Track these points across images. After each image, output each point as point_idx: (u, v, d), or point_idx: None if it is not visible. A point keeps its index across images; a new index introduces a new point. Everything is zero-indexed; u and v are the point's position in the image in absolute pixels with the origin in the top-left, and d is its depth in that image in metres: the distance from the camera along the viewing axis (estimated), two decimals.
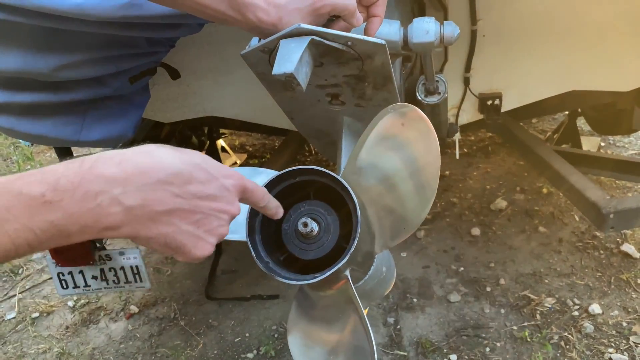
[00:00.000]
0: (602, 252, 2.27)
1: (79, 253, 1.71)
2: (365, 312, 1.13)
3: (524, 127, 2.18)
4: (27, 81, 1.28)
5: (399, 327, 1.99)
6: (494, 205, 2.64)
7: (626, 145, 3.14)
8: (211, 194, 0.54)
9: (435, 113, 1.27)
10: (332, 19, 0.71)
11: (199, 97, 1.65)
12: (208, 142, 3.04)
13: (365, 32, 0.73)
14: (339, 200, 0.66)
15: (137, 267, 1.77)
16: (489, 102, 1.66)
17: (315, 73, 0.73)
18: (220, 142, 3.22)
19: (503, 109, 1.68)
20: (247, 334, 2.02)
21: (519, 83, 1.65)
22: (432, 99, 1.18)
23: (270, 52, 0.69)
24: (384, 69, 0.73)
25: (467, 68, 1.60)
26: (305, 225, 0.65)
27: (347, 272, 0.69)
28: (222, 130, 3.24)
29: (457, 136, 1.70)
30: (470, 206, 2.69)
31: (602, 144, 3.18)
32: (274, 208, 0.64)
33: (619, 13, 1.52)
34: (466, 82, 1.63)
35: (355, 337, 0.76)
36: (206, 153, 3.02)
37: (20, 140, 4.04)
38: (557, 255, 2.28)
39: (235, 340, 2.00)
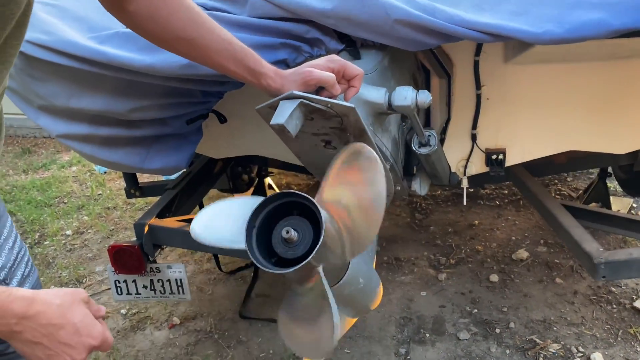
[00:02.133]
0: (615, 306, 2.36)
1: (134, 263, 2.02)
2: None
3: (537, 181, 2.35)
4: (107, 118, 1.62)
5: (409, 357, 2.16)
6: (515, 255, 2.78)
7: None
8: (67, 342, 0.75)
9: (430, 161, 1.51)
10: (320, 88, 0.99)
11: (243, 138, 1.96)
12: (257, 179, 3.37)
13: (345, 98, 1.00)
14: (316, 216, 0.91)
15: (180, 280, 2.05)
16: (494, 157, 1.87)
17: (309, 125, 1.00)
18: (268, 180, 3.54)
19: (507, 164, 1.89)
20: (272, 351, 2.25)
21: (521, 141, 1.85)
22: (424, 150, 1.42)
23: (274, 109, 0.97)
24: (358, 123, 0.99)
25: (474, 126, 1.83)
26: (287, 232, 0.90)
27: (320, 269, 0.93)
28: (270, 169, 3.57)
29: (465, 184, 1.91)
30: (494, 254, 2.84)
31: (635, 205, 3.25)
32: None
33: (611, 82, 1.72)
34: (473, 138, 1.85)
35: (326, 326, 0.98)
36: (254, 189, 3.32)
37: (95, 168, 4.55)
38: (570, 305, 2.39)
39: (261, 355, 2.23)
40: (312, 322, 1.02)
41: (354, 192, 0.89)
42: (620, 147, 1.83)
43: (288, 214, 0.94)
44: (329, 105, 0.95)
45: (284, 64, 1.36)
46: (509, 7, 1.19)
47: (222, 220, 0.96)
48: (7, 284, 0.96)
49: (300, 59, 1.36)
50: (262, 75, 1.00)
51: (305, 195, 0.90)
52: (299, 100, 0.93)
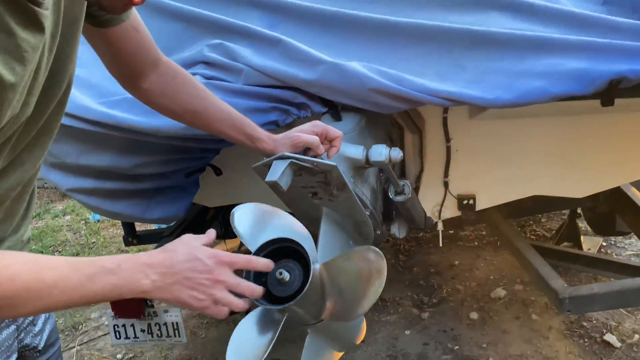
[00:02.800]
0: (586, 340, 2.51)
1: (133, 308, 2.14)
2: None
3: (509, 222, 2.53)
4: (112, 173, 1.79)
5: None
6: (493, 294, 2.94)
7: (626, 246, 3.40)
8: (205, 270, 0.84)
9: (406, 208, 1.68)
10: (307, 149, 1.17)
11: (236, 187, 2.13)
12: None
13: (328, 156, 1.18)
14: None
15: (177, 323, 2.17)
16: (465, 202, 2.05)
17: (297, 180, 1.18)
18: None
19: (478, 208, 2.07)
20: None
21: (489, 187, 2.04)
22: (400, 198, 1.60)
23: (268, 168, 1.14)
24: (340, 178, 1.17)
25: (446, 174, 2.01)
26: (280, 273, 1.05)
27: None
28: None
29: (440, 227, 2.08)
30: (473, 293, 2.99)
31: (604, 244, 3.44)
32: (264, 264, 1.03)
33: (566, 134, 1.92)
34: (446, 185, 2.04)
35: None
36: None
37: (89, 216, 4.67)
38: (545, 340, 2.53)
39: None
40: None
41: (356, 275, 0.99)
42: (578, 191, 2.02)
43: (288, 255, 1.07)
44: (315, 164, 1.12)
45: (275, 124, 1.54)
46: (466, 76, 1.40)
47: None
48: (35, 325, 1.09)
49: (289, 120, 1.55)
50: (257, 139, 1.18)
51: (302, 247, 1.04)
52: (289, 160, 1.11)
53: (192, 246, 0.87)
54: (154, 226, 3.20)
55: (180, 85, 1.16)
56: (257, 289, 0.91)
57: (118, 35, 1.04)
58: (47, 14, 0.78)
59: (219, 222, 3.12)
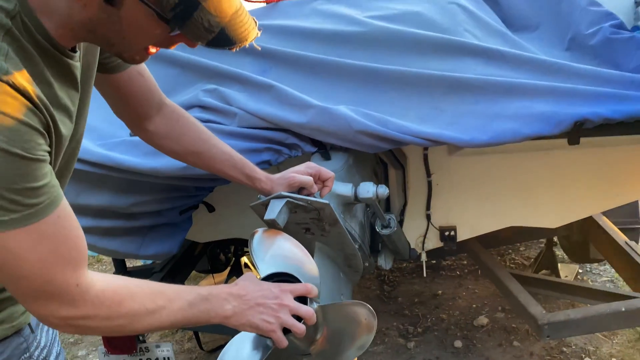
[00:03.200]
0: None
1: (126, 343, 2.17)
2: None
3: (489, 252, 2.64)
4: (109, 212, 1.85)
5: None
6: (476, 322, 3.02)
7: (601, 272, 3.53)
8: (272, 296, 0.98)
9: (392, 240, 1.78)
10: (302, 188, 1.26)
11: (227, 223, 2.20)
12: (234, 258, 3.57)
13: (320, 195, 1.28)
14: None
15: (168, 358, 2.21)
16: (447, 233, 2.15)
17: (293, 217, 1.27)
18: (244, 259, 3.74)
19: (459, 239, 2.17)
20: None
21: (468, 219, 2.15)
22: (386, 231, 1.70)
23: (266, 206, 1.23)
24: (331, 216, 1.26)
25: (428, 207, 2.12)
26: None
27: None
28: (246, 249, 3.78)
29: (424, 258, 2.18)
30: (457, 322, 3.07)
31: (580, 270, 3.57)
32: (316, 292, 1.04)
33: (538, 168, 2.05)
34: (428, 217, 2.14)
35: None
36: (231, 268, 3.50)
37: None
38: None
39: None
40: None
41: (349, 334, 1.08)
42: (552, 221, 2.14)
43: None
44: (309, 202, 1.22)
45: (268, 163, 1.64)
46: (444, 119, 1.52)
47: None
48: None
49: (281, 159, 1.65)
50: (256, 179, 1.27)
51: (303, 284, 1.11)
52: (285, 199, 1.20)
53: (257, 279, 1.03)
54: (140, 262, 3.23)
55: (184, 128, 1.25)
56: (313, 315, 1.00)
57: (124, 80, 1.13)
58: (78, 66, 0.88)
59: (207, 256, 3.19)
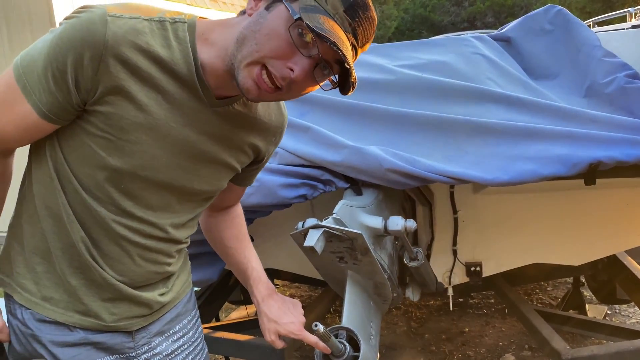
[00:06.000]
0: None
1: None
2: None
3: (515, 289, 2.70)
4: None
5: None
6: (503, 359, 3.05)
7: (630, 315, 3.52)
8: None
9: (419, 273, 1.89)
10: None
11: (263, 253, 2.34)
12: None
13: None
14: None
15: None
16: (473, 269, 2.25)
17: (328, 245, 1.40)
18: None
19: (484, 274, 2.26)
20: None
21: (494, 255, 2.25)
22: (414, 264, 1.81)
23: (304, 235, 1.37)
24: (364, 244, 1.39)
25: (454, 243, 2.23)
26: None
27: None
28: (276, 282, 3.90)
29: (450, 292, 2.27)
30: (483, 359, 3.11)
31: (609, 312, 3.57)
32: None
33: (561, 206, 2.15)
34: (454, 253, 2.25)
35: None
36: None
37: None
38: None
39: None
40: None
41: None
42: (576, 259, 2.22)
43: None
44: (344, 232, 1.36)
45: (304, 197, 1.79)
46: (469, 159, 1.65)
47: None
48: None
49: (316, 194, 1.79)
50: (251, 294, 1.38)
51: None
52: (323, 229, 1.34)
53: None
54: None
55: (230, 223, 1.38)
56: None
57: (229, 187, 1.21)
58: (200, 92, 0.96)
59: (240, 287, 3.32)
